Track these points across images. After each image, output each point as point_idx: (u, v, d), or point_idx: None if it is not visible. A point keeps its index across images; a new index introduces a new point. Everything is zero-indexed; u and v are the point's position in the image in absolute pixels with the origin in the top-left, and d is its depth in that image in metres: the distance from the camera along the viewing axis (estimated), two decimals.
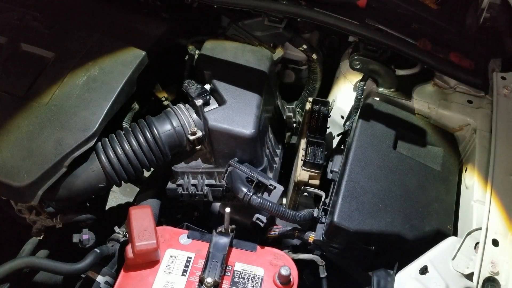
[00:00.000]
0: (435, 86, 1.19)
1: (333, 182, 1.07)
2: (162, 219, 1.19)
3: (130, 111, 1.21)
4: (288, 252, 1.07)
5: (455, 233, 0.99)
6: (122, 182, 1.07)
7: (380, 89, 1.20)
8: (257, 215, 1.09)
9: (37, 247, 1.16)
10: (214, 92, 1.11)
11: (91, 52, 1.14)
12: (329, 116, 1.26)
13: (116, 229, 1.15)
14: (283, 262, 0.96)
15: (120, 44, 1.16)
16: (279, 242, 1.15)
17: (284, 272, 0.90)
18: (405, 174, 1.02)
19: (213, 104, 1.09)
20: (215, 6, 1.26)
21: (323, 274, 1.04)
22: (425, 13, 1.22)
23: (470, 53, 1.19)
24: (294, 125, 1.37)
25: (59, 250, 1.18)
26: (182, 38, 1.32)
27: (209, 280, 0.87)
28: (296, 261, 0.99)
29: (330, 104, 1.27)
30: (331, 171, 1.10)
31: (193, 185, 1.12)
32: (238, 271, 0.94)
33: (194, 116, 1.09)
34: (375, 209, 0.95)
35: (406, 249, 0.95)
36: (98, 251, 1.05)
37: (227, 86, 1.11)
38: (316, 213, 1.03)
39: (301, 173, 1.11)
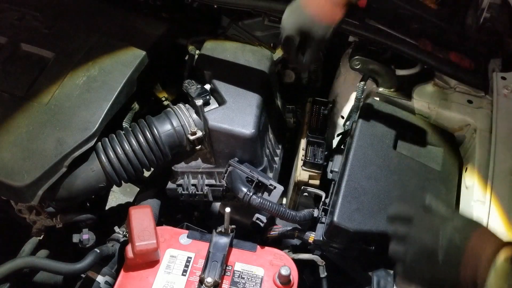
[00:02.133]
0: (435, 86, 1.19)
1: (333, 182, 1.07)
2: (162, 219, 1.19)
3: (130, 111, 1.21)
4: (288, 252, 1.07)
5: None
6: (122, 182, 1.07)
7: (380, 89, 1.20)
8: (257, 215, 1.09)
9: (37, 247, 1.16)
10: (214, 92, 1.11)
11: (91, 52, 1.14)
12: (329, 116, 1.26)
13: (116, 229, 1.15)
14: (283, 262, 0.96)
15: (120, 44, 1.16)
16: (279, 242, 1.15)
17: (284, 272, 0.90)
18: (405, 174, 1.02)
19: (213, 104, 1.09)
20: (215, 6, 1.26)
21: (323, 274, 1.04)
22: (425, 13, 1.22)
23: (470, 53, 1.19)
24: (294, 125, 1.37)
25: (59, 250, 1.18)
26: (182, 38, 1.32)
27: (209, 280, 0.87)
28: (296, 261, 0.99)
29: (330, 104, 1.27)
30: (331, 171, 1.10)
31: (193, 185, 1.12)
32: (238, 271, 0.94)
33: (194, 116, 1.09)
34: (375, 209, 0.95)
35: None
36: (98, 251, 1.05)
37: (227, 86, 1.11)
38: (316, 213, 1.03)
39: (301, 173, 1.11)
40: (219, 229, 0.95)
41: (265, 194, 1.03)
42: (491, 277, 0.65)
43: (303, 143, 1.15)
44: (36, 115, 1.03)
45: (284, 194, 1.27)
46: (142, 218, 0.94)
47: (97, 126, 1.02)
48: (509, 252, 0.66)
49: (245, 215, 1.12)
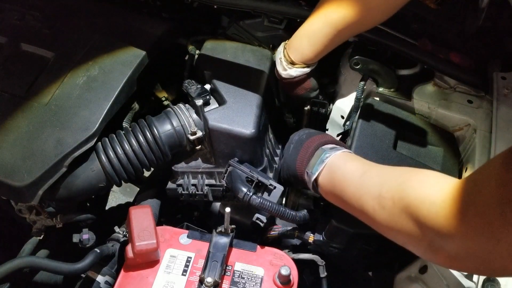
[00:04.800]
0: (435, 86, 1.19)
1: None
2: (162, 219, 1.19)
3: (130, 111, 1.21)
4: (288, 252, 1.07)
5: None
6: (122, 182, 1.07)
7: (380, 89, 1.20)
8: (257, 215, 1.09)
9: (37, 247, 1.16)
10: (214, 92, 1.11)
11: (91, 52, 1.13)
12: (328, 117, 1.26)
13: (116, 229, 1.15)
14: (283, 262, 0.96)
15: (120, 44, 1.15)
16: (279, 242, 1.15)
17: (284, 272, 0.90)
18: None
19: (213, 104, 1.09)
20: (215, 7, 1.26)
21: (323, 274, 1.04)
22: (425, 13, 1.22)
23: (470, 53, 1.19)
24: (294, 125, 1.37)
25: (59, 250, 1.18)
26: (182, 38, 1.32)
27: (209, 280, 0.87)
28: (296, 261, 0.99)
29: (328, 106, 1.27)
30: None
31: (193, 185, 1.12)
32: (238, 271, 0.94)
33: (194, 116, 1.09)
34: None
35: (406, 249, 0.95)
36: (98, 251, 1.05)
37: (227, 86, 1.11)
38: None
39: None
40: (219, 229, 0.95)
41: (265, 194, 1.03)
42: None
43: None
44: (36, 115, 1.03)
45: (285, 194, 1.27)
46: (142, 218, 0.94)
47: (97, 126, 1.02)
48: None
49: (245, 215, 1.12)
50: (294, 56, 1.07)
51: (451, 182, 0.63)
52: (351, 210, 0.82)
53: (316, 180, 0.90)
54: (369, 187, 0.76)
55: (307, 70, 1.09)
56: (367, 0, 0.96)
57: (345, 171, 0.84)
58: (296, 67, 1.08)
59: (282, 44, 1.11)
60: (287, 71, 1.09)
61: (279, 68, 1.11)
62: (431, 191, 0.64)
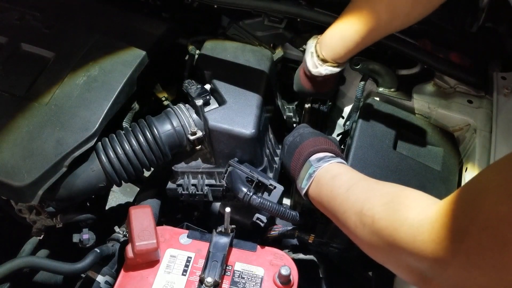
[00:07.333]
0: (435, 86, 1.19)
1: None
2: (162, 219, 1.19)
3: (130, 111, 1.21)
4: (288, 252, 1.07)
5: None
6: (122, 182, 1.07)
7: (380, 89, 1.20)
8: (257, 215, 1.09)
9: (37, 247, 1.16)
10: (214, 92, 1.11)
11: (91, 52, 1.13)
12: (329, 114, 1.26)
13: (116, 229, 1.15)
14: (283, 262, 0.96)
15: (120, 44, 1.15)
16: (279, 242, 1.15)
17: (284, 272, 0.90)
18: (405, 174, 1.02)
19: (213, 104, 1.09)
20: (215, 6, 1.26)
21: (323, 274, 1.04)
22: None
23: (470, 53, 1.19)
24: (294, 125, 1.37)
25: (59, 250, 1.18)
26: (182, 38, 1.32)
27: (209, 279, 0.87)
28: (296, 261, 0.99)
29: (329, 102, 1.27)
30: None
31: (193, 185, 1.12)
32: (238, 270, 0.94)
33: (194, 116, 1.09)
34: None
35: None
36: (98, 250, 1.05)
37: (227, 86, 1.11)
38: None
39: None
40: (219, 229, 0.95)
41: (265, 194, 1.03)
42: None
43: None
44: (36, 115, 1.03)
45: (287, 194, 1.27)
46: (142, 218, 0.94)
47: (97, 126, 1.02)
48: None
49: (245, 215, 1.12)
50: (326, 53, 1.03)
51: (432, 204, 0.62)
52: (338, 223, 0.82)
53: (306, 193, 0.91)
54: (353, 202, 0.75)
55: (336, 70, 1.06)
56: (400, 5, 0.93)
57: (332, 185, 0.83)
58: (327, 65, 1.05)
59: (314, 39, 1.08)
60: (317, 68, 1.06)
61: (309, 63, 1.07)
62: (410, 214, 0.63)
